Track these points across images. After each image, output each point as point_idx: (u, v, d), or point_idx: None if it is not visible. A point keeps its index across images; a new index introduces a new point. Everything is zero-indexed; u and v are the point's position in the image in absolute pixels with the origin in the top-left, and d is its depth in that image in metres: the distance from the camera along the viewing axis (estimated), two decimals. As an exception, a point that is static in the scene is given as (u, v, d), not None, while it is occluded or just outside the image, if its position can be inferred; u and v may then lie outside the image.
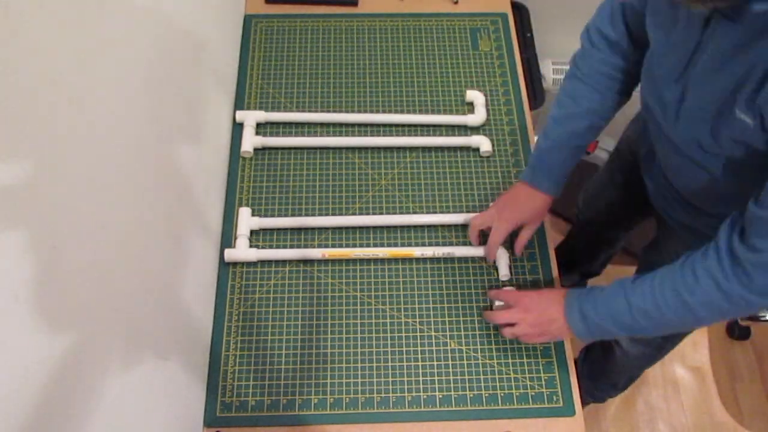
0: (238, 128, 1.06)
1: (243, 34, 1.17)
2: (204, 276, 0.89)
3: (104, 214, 0.58)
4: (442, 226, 0.99)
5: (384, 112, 1.09)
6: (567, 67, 1.53)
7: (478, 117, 1.07)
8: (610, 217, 1.25)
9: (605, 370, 1.28)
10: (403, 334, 0.90)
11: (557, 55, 1.50)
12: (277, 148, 1.05)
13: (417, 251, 0.94)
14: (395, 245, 0.97)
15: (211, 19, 0.98)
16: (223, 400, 0.85)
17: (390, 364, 0.88)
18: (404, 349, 0.89)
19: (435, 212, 1.00)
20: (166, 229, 0.75)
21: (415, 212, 1.00)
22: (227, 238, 0.97)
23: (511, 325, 0.83)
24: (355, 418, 0.84)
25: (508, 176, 1.03)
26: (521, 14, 1.35)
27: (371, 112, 1.09)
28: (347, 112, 1.09)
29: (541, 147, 0.89)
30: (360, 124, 1.08)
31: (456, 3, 1.23)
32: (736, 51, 0.59)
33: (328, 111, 1.09)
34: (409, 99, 1.11)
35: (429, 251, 0.95)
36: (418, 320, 0.91)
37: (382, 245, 0.97)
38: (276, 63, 1.14)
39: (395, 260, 0.95)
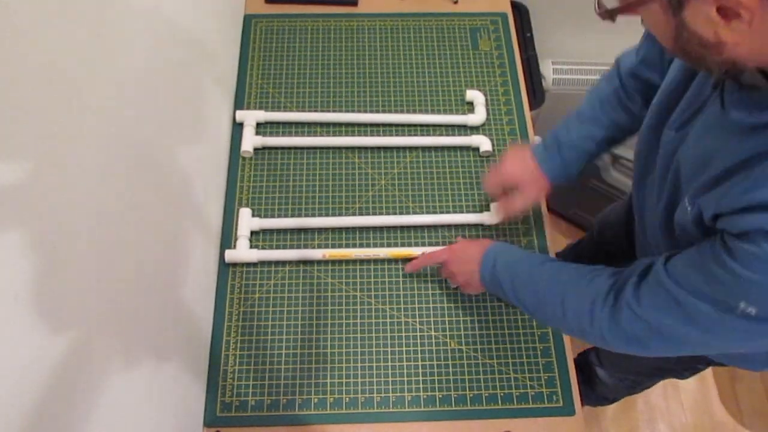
0: (237, 128, 1.06)
1: (243, 34, 1.17)
2: (204, 276, 0.89)
3: (104, 214, 0.58)
4: (442, 226, 0.99)
5: (384, 111, 1.09)
6: (567, 67, 1.54)
7: (478, 117, 1.07)
8: (621, 243, 1.19)
9: (593, 389, 1.26)
10: (403, 334, 0.90)
11: (557, 55, 1.50)
12: (276, 148, 1.05)
13: (418, 251, 0.94)
14: (396, 245, 0.97)
15: (211, 19, 0.98)
16: (223, 400, 0.85)
17: (390, 364, 0.88)
18: (404, 349, 0.89)
19: (434, 212, 1.00)
20: (166, 229, 0.75)
21: (415, 212, 1.00)
22: (227, 239, 0.97)
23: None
24: (355, 418, 0.84)
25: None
26: (521, 14, 1.35)
27: (371, 111, 1.09)
28: (347, 111, 1.09)
29: (559, 137, 0.87)
30: (360, 124, 1.08)
31: (456, 3, 1.23)
32: (713, 128, 0.58)
33: (328, 111, 1.09)
34: (409, 99, 1.11)
35: (429, 251, 0.95)
36: (418, 320, 0.91)
37: (382, 245, 0.97)
38: (276, 63, 1.14)
39: (395, 260, 0.95)
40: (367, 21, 1.20)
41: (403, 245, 0.97)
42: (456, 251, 0.86)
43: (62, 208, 0.51)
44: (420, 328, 0.91)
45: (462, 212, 1.00)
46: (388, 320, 0.91)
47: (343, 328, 0.90)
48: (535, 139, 1.08)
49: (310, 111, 1.08)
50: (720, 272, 0.54)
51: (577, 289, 0.70)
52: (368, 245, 0.97)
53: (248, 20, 1.19)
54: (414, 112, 1.09)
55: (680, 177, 0.63)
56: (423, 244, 0.97)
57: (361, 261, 0.95)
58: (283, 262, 0.95)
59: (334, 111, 1.08)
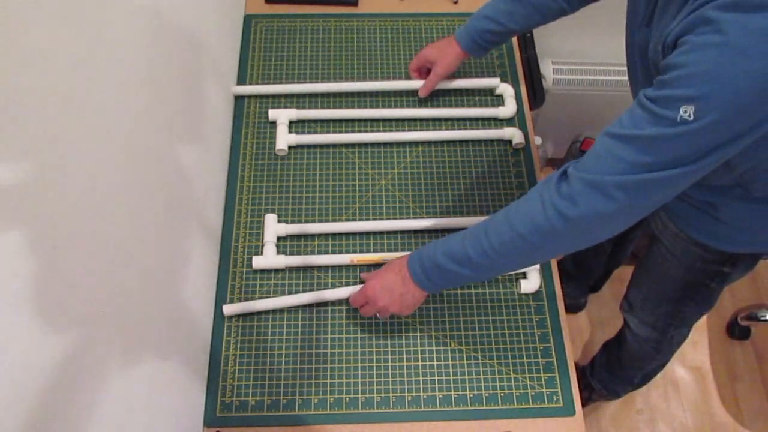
0: (237, 128, 1.06)
1: (243, 34, 1.17)
2: (204, 276, 0.89)
3: (104, 214, 0.58)
4: (449, 230, 0.98)
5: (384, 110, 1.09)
6: (567, 67, 1.54)
7: (508, 109, 1.08)
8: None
9: (621, 360, 1.29)
10: (403, 334, 0.90)
11: (557, 55, 1.50)
12: (311, 146, 1.05)
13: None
14: (397, 249, 0.97)
15: (211, 19, 0.98)
16: (223, 400, 0.85)
17: (390, 364, 0.88)
18: (404, 349, 0.89)
19: (444, 212, 1.00)
20: (166, 229, 0.75)
21: (415, 213, 1.00)
22: (227, 238, 0.97)
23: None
24: (355, 418, 0.84)
25: (508, 176, 1.03)
26: (521, 14, 1.35)
27: (371, 108, 1.09)
28: (359, 108, 1.09)
29: (479, 12, 0.98)
30: (370, 120, 1.08)
31: (456, 3, 1.23)
32: None
33: (328, 109, 1.09)
34: (409, 99, 1.11)
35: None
36: (418, 320, 0.91)
37: (379, 249, 0.97)
38: (276, 63, 1.14)
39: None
40: (367, 21, 1.20)
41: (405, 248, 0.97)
42: (373, 287, 0.83)
43: (62, 208, 0.51)
44: (420, 328, 0.91)
45: (462, 215, 1.00)
46: (388, 320, 0.91)
47: (343, 328, 0.90)
48: (536, 139, 1.08)
49: (310, 110, 1.08)
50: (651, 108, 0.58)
51: (517, 203, 0.71)
52: (366, 249, 0.97)
53: (248, 20, 1.19)
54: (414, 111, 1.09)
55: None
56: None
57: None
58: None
59: (334, 109, 1.09)
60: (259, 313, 0.91)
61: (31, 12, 0.46)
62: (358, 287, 0.87)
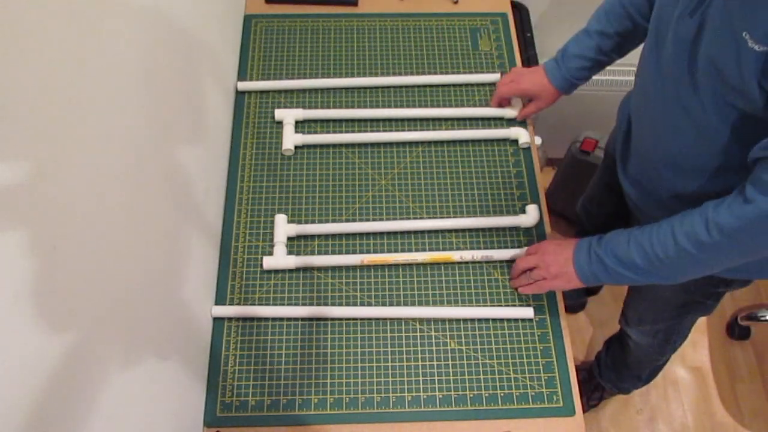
0: (237, 128, 1.06)
1: (243, 34, 1.17)
2: (204, 276, 0.89)
3: (104, 214, 0.58)
4: (477, 229, 0.98)
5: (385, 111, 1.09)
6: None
7: (515, 109, 1.08)
8: (607, 221, 1.25)
9: (626, 361, 1.31)
10: (403, 334, 0.90)
11: (557, 55, 1.49)
12: (319, 146, 1.06)
13: (456, 255, 0.94)
14: (407, 249, 0.97)
15: (211, 19, 0.98)
16: (223, 400, 0.85)
17: (390, 364, 0.88)
18: (404, 349, 0.89)
19: (450, 213, 1.00)
20: (166, 229, 0.75)
21: (415, 213, 1.00)
22: (227, 238, 0.97)
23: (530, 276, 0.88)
24: (355, 418, 0.84)
25: (508, 176, 1.03)
26: (521, 14, 1.35)
27: (371, 107, 1.09)
28: (361, 108, 1.10)
29: (568, 49, 0.97)
30: (367, 120, 1.08)
31: (456, 3, 1.23)
32: None
33: (334, 109, 1.09)
34: (409, 99, 1.11)
35: (468, 254, 0.94)
36: (418, 320, 0.91)
37: (380, 251, 0.97)
38: (276, 63, 1.14)
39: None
40: (367, 21, 1.20)
41: (411, 249, 0.97)
42: (548, 247, 0.87)
43: (62, 208, 0.51)
44: (420, 328, 0.91)
45: (499, 212, 1.00)
46: (388, 320, 0.91)
47: (343, 328, 0.90)
48: (536, 139, 1.08)
49: (311, 109, 1.08)
50: None
51: (683, 216, 0.72)
52: (366, 251, 0.97)
53: (248, 20, 1.19)
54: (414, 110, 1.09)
55: (720, 60, 0.63)
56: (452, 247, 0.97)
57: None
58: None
59: (338, 108, 1.09)
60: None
61: (31, 12, 0.46)
62: (518, 251, 0.93)
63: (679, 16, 0.69)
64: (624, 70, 1.47)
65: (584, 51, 0.95)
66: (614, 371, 1.37)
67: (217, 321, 0.91)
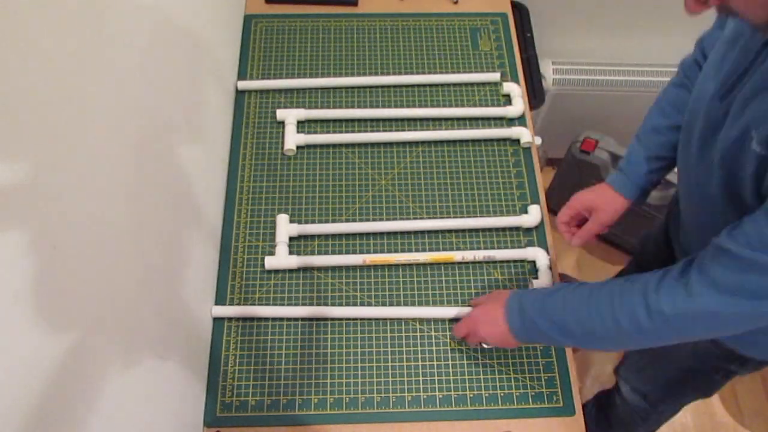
0: (237, 127, 1.06)
1: (243, 34, 1.17)
2: (204, 276, 0.89)
3: (104, 214, 0.58)
4: (481, 230, 0.98)
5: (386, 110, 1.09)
6: (567, 67, 1.54)
7: (516, 108, 1.08)
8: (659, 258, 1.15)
9: (609, 419, 1.25)
10: (403, 334, 0.90)
11: (557, 55, 1.49)
12: (322, 146, 1.05)
13: (457, 255, 0.94)
14: (407, 250, 0.97)
15: (211, 19, 0.98)
16: (223, 400, 0.85)
17: (390, 364, 0.88)
18: (404, 349, 0.89)
19: (447, 214, 1.00)
20: (165, 229, 0.75)
21: (415, 213, 1.00)
22: (227, 238, 0.97)
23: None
24: (355, 418, 0.84)
25: (508, 176, 1.03)
26: (521, 14, 1.35)
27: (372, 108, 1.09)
28: (361, 108, 1.10)
29: (635, 155, 0.87)
30: (368, 120, 1.08)
31: (456, 3, 1.23)
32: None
33: (335, 109, 1.09)
34: (409, 99, 1.11)
35: (470, 255, 0.94)
36: (418, 320, 0.91)
37: (381, 251, 0.97)
38: (276, 63, 1.14)
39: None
40: (367, 21, 1.20)
41: (411, 250, 0.97)
42: (478, 316, 0.82)
43: (62, 208, 0.51)
44: (420, 328, 0.91)
45: (499, 212, 1.00)
46: (388, 320, 0.91)
47: (343, 328, 0.90)
48: (536, 139, 1.08)
49: (312, 109, 1.08)
50: None
51: (622, 291, 0.67)
52: (366, 251, 0.97)
53: (248, 20, 1.19)
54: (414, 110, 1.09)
55: (728, 155, 0.62)
56: (455, 247, 0.97)
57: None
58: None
59: (338, 108, 1.09)
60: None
61: (31, 12, 0.46)
62: (454, 310, 0.89)
63: (711, 98, 0.67)
64: (624, 70, 1.47)
65: (655, 150, 0.85)
66: (597, 428, 1.30)
67: (217, 321, 0.91)
